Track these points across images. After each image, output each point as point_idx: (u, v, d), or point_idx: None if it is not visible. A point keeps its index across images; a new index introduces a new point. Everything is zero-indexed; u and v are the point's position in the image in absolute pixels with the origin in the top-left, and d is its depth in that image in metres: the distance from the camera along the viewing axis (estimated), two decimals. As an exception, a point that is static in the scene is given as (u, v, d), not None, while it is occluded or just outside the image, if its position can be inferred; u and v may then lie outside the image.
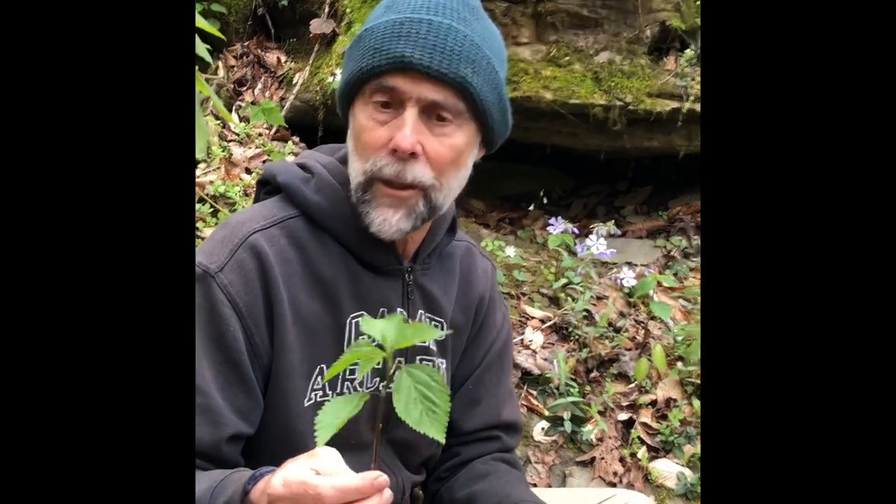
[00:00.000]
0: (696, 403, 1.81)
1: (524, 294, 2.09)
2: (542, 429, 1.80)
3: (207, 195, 2.31)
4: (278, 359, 1.09)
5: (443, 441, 0.82)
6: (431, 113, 1.05)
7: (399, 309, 1.19)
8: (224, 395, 1.05)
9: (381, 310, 1.17)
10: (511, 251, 2.12)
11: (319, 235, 1.14)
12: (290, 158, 2.67)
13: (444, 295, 1.26)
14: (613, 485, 1.70)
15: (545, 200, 2.57)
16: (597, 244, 1.84)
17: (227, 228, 1.11)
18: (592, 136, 2.44)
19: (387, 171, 1.04)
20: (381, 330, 0.80)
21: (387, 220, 1.06)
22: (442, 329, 1.25)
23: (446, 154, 1.06)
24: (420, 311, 1.22)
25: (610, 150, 2.56)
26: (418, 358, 1.22)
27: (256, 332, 1.07)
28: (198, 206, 2.27)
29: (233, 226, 1.11)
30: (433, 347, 1.24)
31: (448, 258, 1.28)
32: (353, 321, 1.15)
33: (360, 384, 1.16)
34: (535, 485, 1.68)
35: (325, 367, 1.13)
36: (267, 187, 1.22)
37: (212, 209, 2.27)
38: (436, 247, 1.23)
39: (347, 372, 1.15)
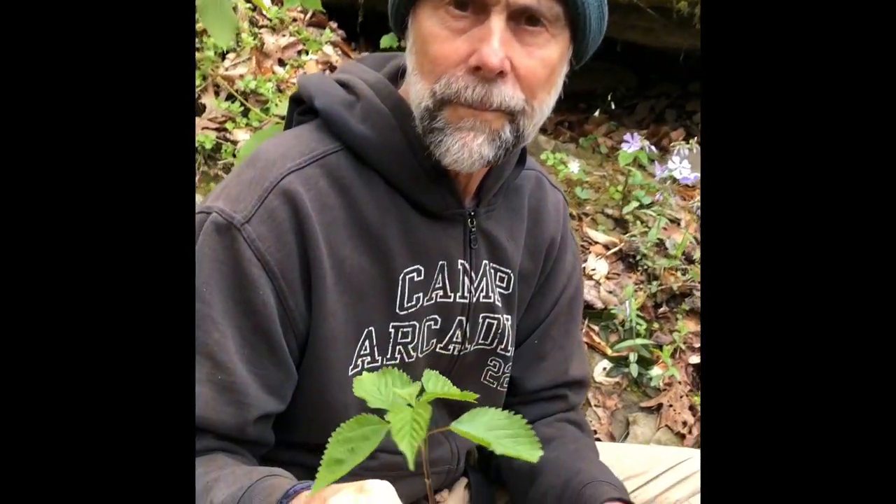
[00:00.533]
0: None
1: (586, 215, 1.87)
2: (604, 369, 1.64)
3: (237, 91, 2.09)
4: (318, 324, 0.91)
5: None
6: (520, 18, 0.83)
7: (460, 261, 1.00)
8: (251, 370, 0.89)
9: (441, 263, 0.98)
10: (575, 167, 1.89)
11: (365, 174, 0.93)
12: (329, 50, 2.42)
13: (511, 239, 1.06)
14: (682, 436, 1.55)
15: (613, 106, 2.29)
16: (680, 167, 1.60)
17: (256, 168, 0.91)
18: (672, 33, 2.14)
19: (467, 94, 0.84)
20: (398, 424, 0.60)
21: (466, 146, 0.86)
22: (508, 281, 1.06)
23: (539, 71, 0.86)
24: (484, 262, 1.03)
25: (690, 50, 2.25)
26: (481, 316, 1.04)
27: (290, 295, 0.89)
28: (227, 103, 2.06)
29: (262, 164, 0.91)
30: (498, 303, 1.05)
31: (515, 193, 1.07)
32: (408, 277, 0.96)
33: (415, 348, 0.99)
34: (595, 432, 1.54)
35: (373, 331, 0.95)
36: (301, 107, 1.00)
37: (242, 108, 2.06)
38: (503, 183, 1.02)
39: (400, 335, 0.97)
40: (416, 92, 0.88)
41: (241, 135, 1.98)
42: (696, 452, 1.25)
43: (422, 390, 0.61)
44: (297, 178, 0.89)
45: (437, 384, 0.62)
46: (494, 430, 0.59)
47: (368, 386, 0.61)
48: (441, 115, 0.86)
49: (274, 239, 0.88)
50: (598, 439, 1.48)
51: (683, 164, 1.60)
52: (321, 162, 0.92)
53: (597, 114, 2.42)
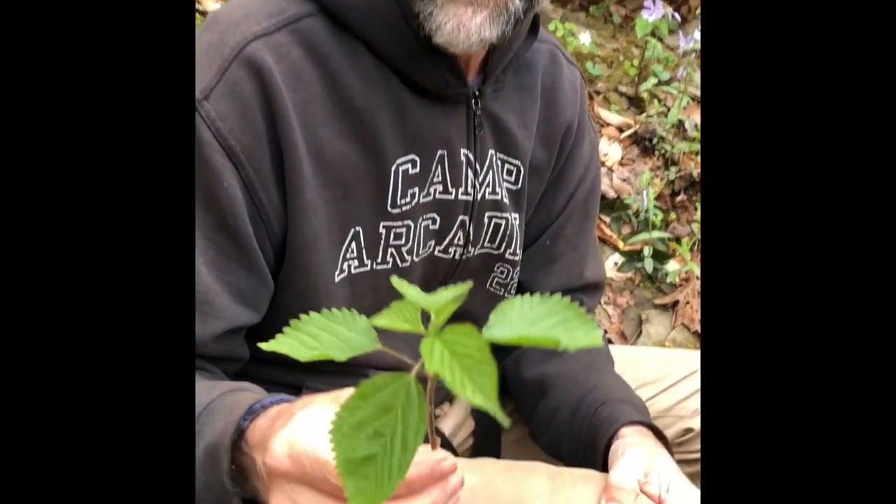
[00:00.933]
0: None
1: (598, 93, 1.69)
2: (616, 263, 1.51)
3: (206, -47, 1.85)
4: (295, 223, 0.77)
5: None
6: None
7: (463, 150, 0.84)
8: (217, 276, 0.75)
9: (440, 152, 0.83)
10: (586, 39, 1.68)
11: (347, 43, 0.77)
12: None
13: (522, 125, 0.90)
14: (699, 336, 1.44)
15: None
16: (708, 37, 1.41)
17: (214, 31, 0.74)
18: None
19: None
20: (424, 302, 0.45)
21: (463, 26, 0.71)
22: (518, 175, 0.91)
23: None
24: (491, 152, 0.87)
25: None
26: (487, 215, 0.89)
27: (261, 188, 0.75)
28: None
29: (221, 27, 0.74)
30: (506, 200, 0.91)
31: (527, 70, 0.90)
32: (401, 168, 0.81)
33: (410, 251, 0.85)
34: (605, 331, 1.43)
35: (361, 231, 0.81)
36: (268, -41, 0.82)
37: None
38: (512, 57, 0.85)
39: (392, 236, 0.83)
40: None
41: (212, 5, 1.77)
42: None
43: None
44: (265, 45, 0.73)
45: (414, 292, 0.46)
46: (539, 322, 0.42)
47: (295, 341, 0.45)
48: None
49: (238, 118, 0.72)
50: (610, 340, 1.38)
51: (713, 34, 1.41)
52: (293, 27, 0.75)
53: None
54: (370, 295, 0.83)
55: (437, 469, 0.54)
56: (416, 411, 0.42)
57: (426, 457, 0.54)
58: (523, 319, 0.43)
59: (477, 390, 0.38)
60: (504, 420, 0.38)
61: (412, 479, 0.54)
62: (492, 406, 0.37)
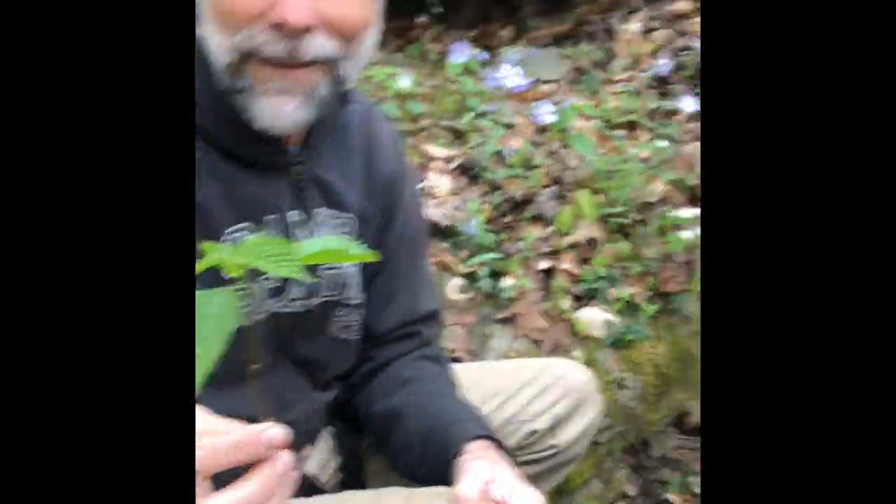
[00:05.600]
0: (620, 245, 1.66)
1: (423, 129, 1.81)
2: (458, 287, 1.63)
3: None
4: None
5: None
6: None
7: (292, 212, 0.92)
8: None
9: (270, 217, 0.90)
10: (405, 82, 1.80)
11: None
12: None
13: (344, 180, 1.00)
14: (538, 342, 1.58)
15: (442, 9, 2.20)
16: (511, 75, 1.55)
17: None
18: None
19: (272, 50, 0.76)
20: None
21: (278, 113, 0.79)
22: (352, 226, 1.00)
23: (355, 12, 0.78)
24: (320, 210, 0.96)
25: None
26: (323, 267, 0.97)
27: None
28: None
29: None
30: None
31: (342, 131, 1.00)
32: (234, 236, 0.87)
33: (252, 311, 0.91)
34: (453, 350, 1.54)
35: None
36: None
37: None
38: (329, 123, 0.94)
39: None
40: (215, 44, 0.79)
41: None
42: (554, 361, 1.27)
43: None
44: None
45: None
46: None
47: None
48: (245, 72, 0.79)
49: None
50: (459, 359, 1.48)
51: (515, 73, 1.55)
52: None
53: (423, 18, 2.32)
54: None
55: (262, 438, 0.54)
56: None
57: (253, 428, 0.55)
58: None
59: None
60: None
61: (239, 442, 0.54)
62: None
